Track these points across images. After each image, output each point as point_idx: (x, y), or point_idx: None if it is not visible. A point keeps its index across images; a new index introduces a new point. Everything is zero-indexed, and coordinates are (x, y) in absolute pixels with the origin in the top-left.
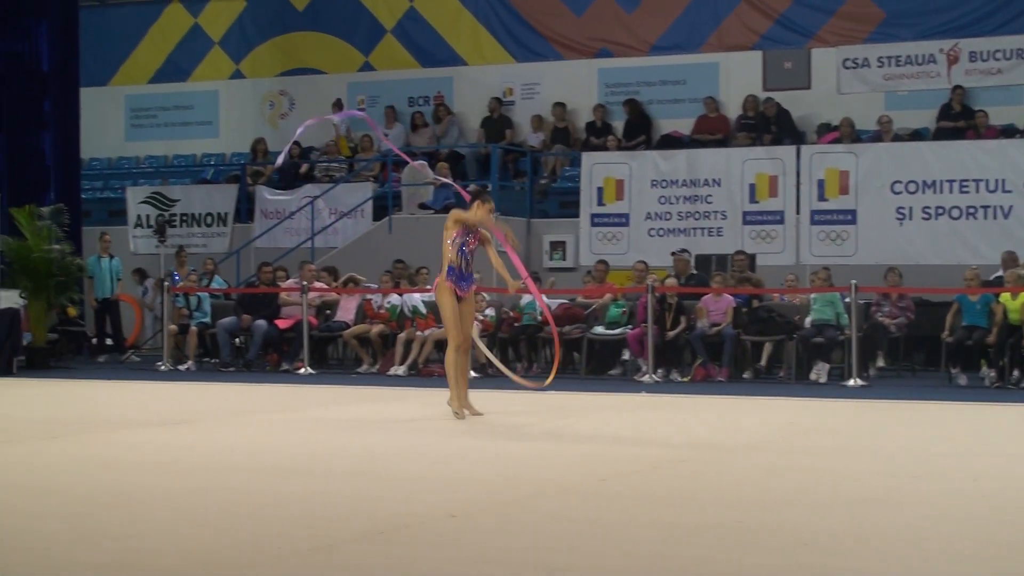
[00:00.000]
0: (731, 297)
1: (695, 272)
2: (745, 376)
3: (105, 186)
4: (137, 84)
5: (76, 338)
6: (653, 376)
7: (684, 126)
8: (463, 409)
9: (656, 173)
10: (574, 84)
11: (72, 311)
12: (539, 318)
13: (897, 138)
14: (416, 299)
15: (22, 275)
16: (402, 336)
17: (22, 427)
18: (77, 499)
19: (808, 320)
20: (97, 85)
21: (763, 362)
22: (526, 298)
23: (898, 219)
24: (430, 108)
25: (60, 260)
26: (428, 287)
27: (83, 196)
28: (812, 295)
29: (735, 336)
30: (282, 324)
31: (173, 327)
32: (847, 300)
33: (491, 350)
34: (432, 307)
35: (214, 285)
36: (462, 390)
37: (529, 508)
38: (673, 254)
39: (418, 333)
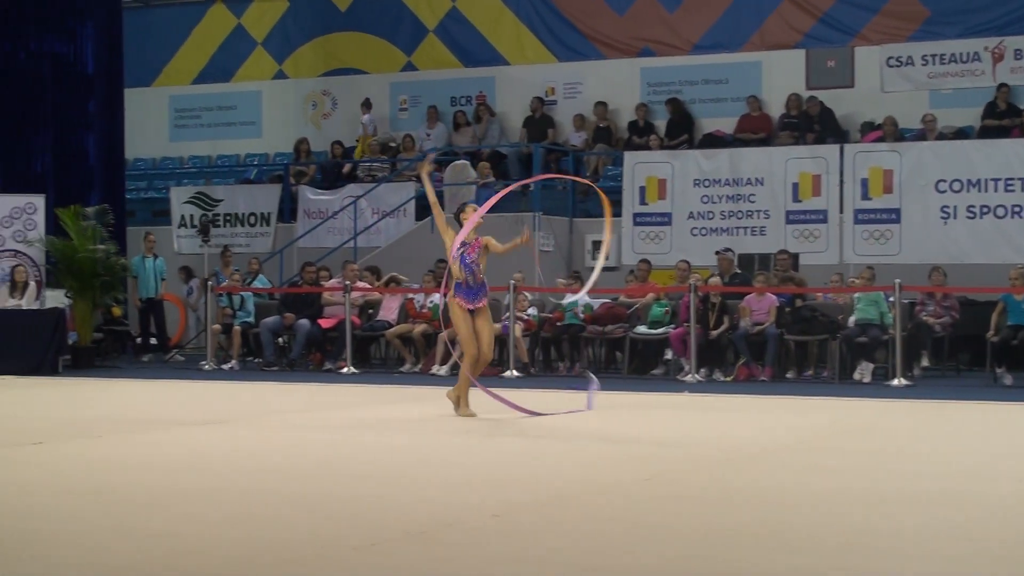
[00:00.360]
0: (774, 296)
1: (738, 271)
2: (788, 376)
3: (149, 186)
4: (181, 85)
5: (121, 338)
6: (696, 376)
7: (727, 125)
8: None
9: (699, 172)
10: (616, 83)
11: (117, 311)
12: (581, 316)
13: (941, 137)
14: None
15: (67, 275)
16: (443, 335)
17: (66, 426)
18: (118, 499)
19: (852, 320)
20: (141, 86)
21: (811, 371)
22: (568, 297)
23: (942, 218)
24: (472, 108)
25: (105, 260)
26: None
27: (127, 196)
28: (856, 294)
29: (778, 336)
30: (325, 323)
31: (217, 327)
32: (891, 299)
33: (535, 349)
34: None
35: (257, 285)
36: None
37: (571, 508)
38: (717, 253)
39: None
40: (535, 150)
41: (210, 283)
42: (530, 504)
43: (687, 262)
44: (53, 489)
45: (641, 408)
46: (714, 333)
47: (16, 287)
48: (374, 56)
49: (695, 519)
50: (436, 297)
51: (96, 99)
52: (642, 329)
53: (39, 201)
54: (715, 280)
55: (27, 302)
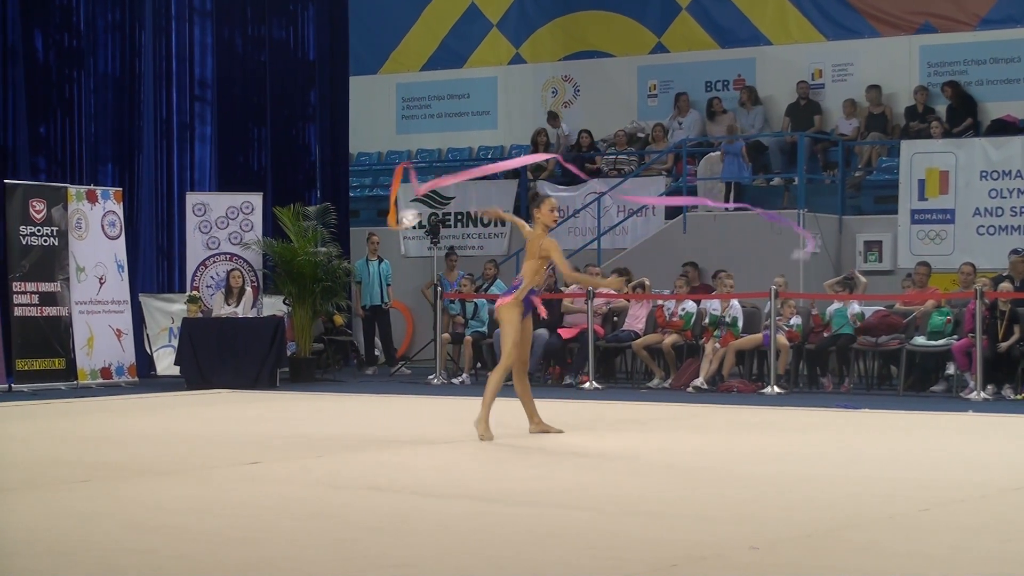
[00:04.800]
0: None
1: None
2: None
3: (374, 183)
4: (409, 72)
5: (343, 349)
6: (982, 393)
7: (1018, 109)
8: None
9: (986, 163)
10: (892, 64)
11: (339, 319)
12: (857, 325)
13: None
14: (737, 308)
15: (286, 280)
16: (717, 349)
17: (284, 444)
18: (344, 523)
19: None
20: (366, 73)
21: None
22: (834, 305)
23: None
24: (729, 93)
25: (326, 264)
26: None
27: (351, 194)
28: None
29: None
30: (565, 333)
31: (446, 336)
32: None
33: (798, 363)
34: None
35: (495, 291)
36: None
37: (840, 540)
38: (1015, 253)
39: (717, 346)
40: (800, 140)
41: (438, 288)
42: (793, 536)
43: (972, 265)
44: (270, 512)
45: (919, 429)
46: (1003, 345)
47: (231, 293)
48: (620, 37)
49: (985, 552)
50: (689, 304)
51: (318, 88)
52: (920, 340)
53: (256, 200)
54: (1005, 285)
55: (243, 310)
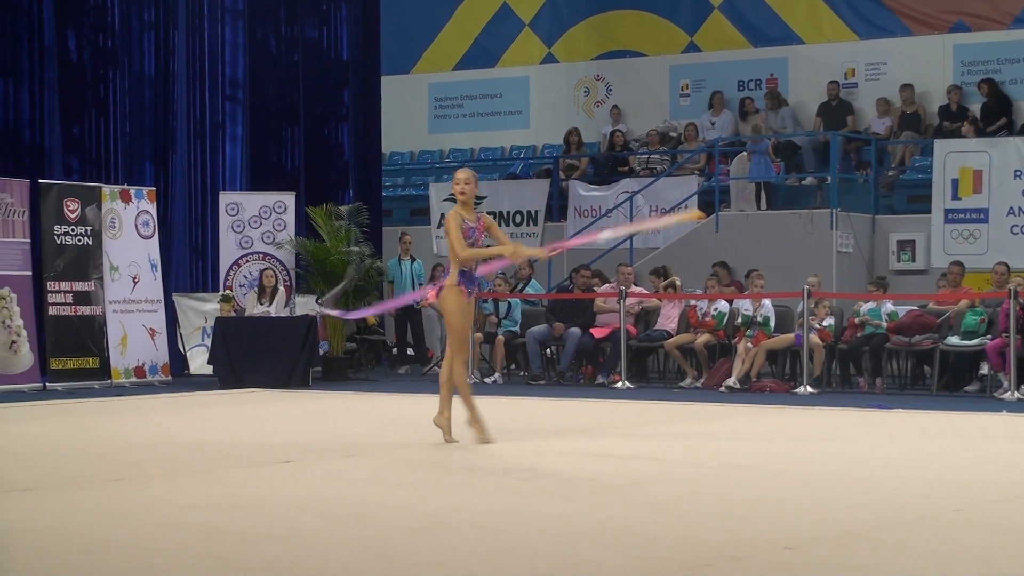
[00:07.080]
0: None
1: None
2: None
3: (407, 182)
4: (441, 71)
5: (375, 348)
6: (1016, 393)
7: None
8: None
9: (1020, 162)
10: (925, 63)
11: (371, 319)
12: (884, 327)
13: None
14: (769, 308)
15: (319, 279)
16: (741, 348)
17: (317, 443)
18: (375, 522)
19: None
20: (399, 73)
21: None
22: (867, 305)
23: None
24: (762, 93)
25: (359, 263)
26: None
27: (384, 193)
28: None
29: None
30: (598, 333)
31: (479, 335)
32: None
33: (832, 361)
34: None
35: (529, 290)
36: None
37: (873, 540)
38: None
39: (749, 346)
40: (832, 139)
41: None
42: (827, 536)
43: (1006, 264)
44: (301, 511)
45: (952, 429)
46: None
47: (264, 292)
48: (653, 37)
49: (1020, 552)
50: (721, 304)
51: (351, 88)
52: (954, 340)
53: (289, 200)
54: None
55: (276, 309)
